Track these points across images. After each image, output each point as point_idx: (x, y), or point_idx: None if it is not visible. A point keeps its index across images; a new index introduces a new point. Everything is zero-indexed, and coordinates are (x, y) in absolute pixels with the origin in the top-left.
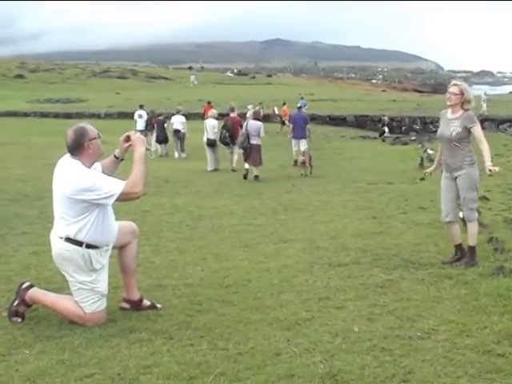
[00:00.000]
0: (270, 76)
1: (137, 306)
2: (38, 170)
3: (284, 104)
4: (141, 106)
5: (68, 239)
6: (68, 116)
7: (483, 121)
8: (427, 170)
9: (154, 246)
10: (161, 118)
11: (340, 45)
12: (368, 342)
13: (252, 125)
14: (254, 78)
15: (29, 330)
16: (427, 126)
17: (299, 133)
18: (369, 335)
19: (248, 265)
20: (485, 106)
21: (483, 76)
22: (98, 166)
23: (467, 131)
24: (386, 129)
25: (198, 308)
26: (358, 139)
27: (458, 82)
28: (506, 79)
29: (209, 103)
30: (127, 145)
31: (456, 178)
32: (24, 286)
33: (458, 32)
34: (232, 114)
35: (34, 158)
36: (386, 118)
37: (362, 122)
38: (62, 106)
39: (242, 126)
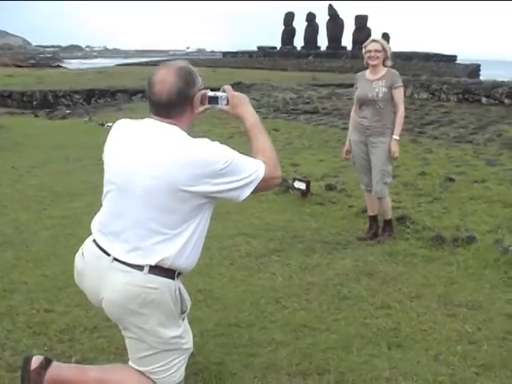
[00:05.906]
0: None
1: None
2: None
3: None
4: None
5: (157, 268)
6: None
7: None
8: (345, 156)
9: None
10: None
11: None
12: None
13: None
14: None
15: None
16: (60, 100)
17: None
18: (493, 337)
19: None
20: None
21: (72, 50)
22: None
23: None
24: None
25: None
26: (6, 115)
27: (377, 38)
28: (94, 53)
29: None
30: (203, 109)
31: (370, 144)
32: (35, 363)
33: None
34: None
35: None
36: None
37: None
38: None
39: None
